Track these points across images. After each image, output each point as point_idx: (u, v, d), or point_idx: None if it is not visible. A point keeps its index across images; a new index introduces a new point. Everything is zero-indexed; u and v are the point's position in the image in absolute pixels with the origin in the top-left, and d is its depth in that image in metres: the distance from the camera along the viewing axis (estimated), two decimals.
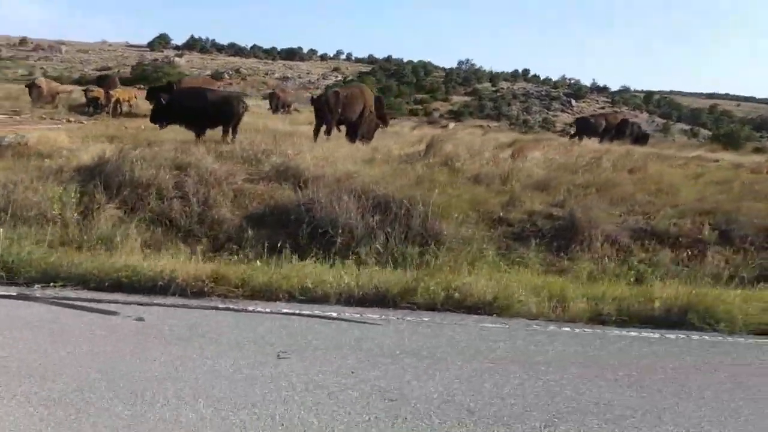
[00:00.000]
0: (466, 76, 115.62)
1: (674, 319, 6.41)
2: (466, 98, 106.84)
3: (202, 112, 14.89)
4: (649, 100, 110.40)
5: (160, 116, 15.77)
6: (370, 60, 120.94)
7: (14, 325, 5.39)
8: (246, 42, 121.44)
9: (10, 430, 3.61)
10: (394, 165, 12.50)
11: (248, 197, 9.74)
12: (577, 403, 4.43)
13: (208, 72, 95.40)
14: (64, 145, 12.61)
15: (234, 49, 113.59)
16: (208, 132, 14.53)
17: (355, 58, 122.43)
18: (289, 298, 6.42)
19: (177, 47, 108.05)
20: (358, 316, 6.09)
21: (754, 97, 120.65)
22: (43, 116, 23.72)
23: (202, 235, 8.84)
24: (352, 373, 4.71)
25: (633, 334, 6.12)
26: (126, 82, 44.18)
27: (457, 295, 6.47)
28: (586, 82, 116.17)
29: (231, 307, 6.18)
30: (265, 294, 6.43)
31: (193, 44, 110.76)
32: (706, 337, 6.12)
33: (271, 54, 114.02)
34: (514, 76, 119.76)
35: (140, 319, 5.72)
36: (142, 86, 36.64)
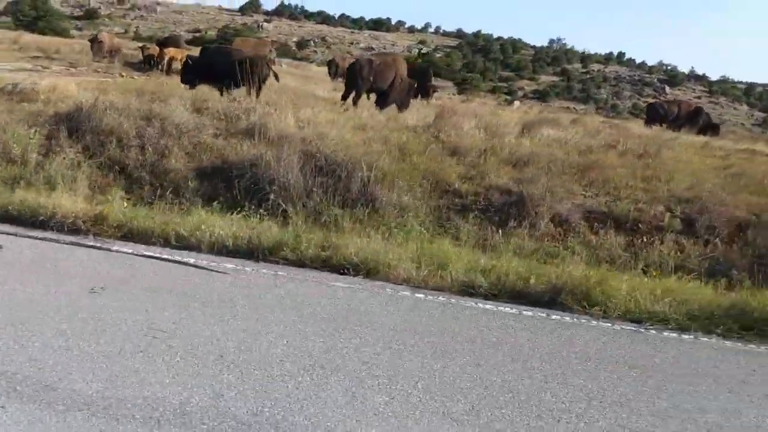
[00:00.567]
0: (555, 56, 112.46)
1: (547, 298, 6.17)
2: (554, 78, 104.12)
3: (227, 71, 15.28)
4: (751, 92, 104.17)
5: (189, 76, 16.31)
6: (458, 34, 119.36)
7: None
8: (335, 10, 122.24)
9: None
10: (382, 133, 12.40)
11: (206, 151, 9.92)
12: (353, 361, 4.40)
13: (295, 38, 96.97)
14: (70, 94, 13.13)
15: (322, 17, 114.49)
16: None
17: (443, 31, 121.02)
18: (164, 243, 6.60)
19: (266, 13, 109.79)
20: (215, 264, 6.21)
21: None
22: (98, 70, 24.81)
23: (146, 183, 9.10)
24: (146, 311, 4.83)
25: (487, 307, 5.95)
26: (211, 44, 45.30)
27: (323, 254, 6.45)
28: (684, 69, 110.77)
29: (94, 244, 6.42)
30: (142, 237, 6.64)
31: (282, 10, 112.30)
32: (568, 318, 5.87)
33: (358, 23, 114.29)
34: (608, 58, 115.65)
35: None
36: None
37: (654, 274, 7.27)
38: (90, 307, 4.86)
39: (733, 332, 5.85)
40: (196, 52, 27.81)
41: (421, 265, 6.54)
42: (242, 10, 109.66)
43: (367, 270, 6.39)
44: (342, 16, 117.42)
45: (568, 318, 5.86)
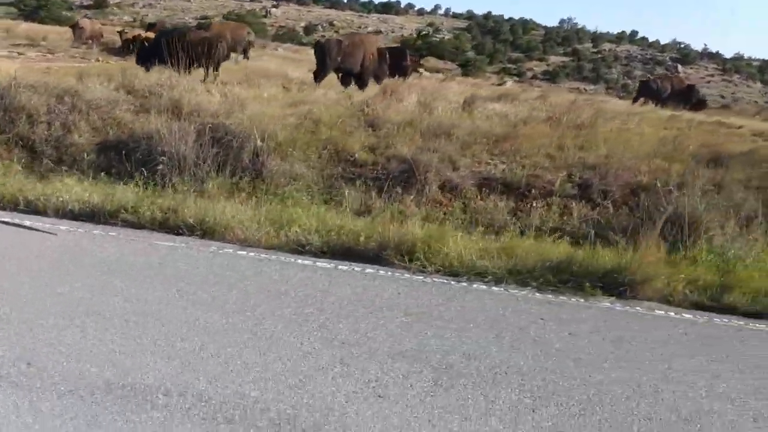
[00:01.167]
0: (566, 36, 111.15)
1: (371, 254, 6.35)
2: (564, 59, 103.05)
3: (183, 52, 15.49)
4: (765, 69, 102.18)
5: (144, 58, 16.56)
6: (468, 15, 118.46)
7: None
8: None
9: None
10: (310, 107, 12.54)
11: (114, 126, 10.15)
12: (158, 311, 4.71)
13: (303, 23, 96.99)
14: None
15: (330, 2, 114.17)
16: None
17: (453, 13, 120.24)
18: (13, 208, 6.86)
19: None
20: (48, 226, 6.46)
21: None
22: (75, 55, 25.19)
23: (46, 157, 9.36)
24: None
25: (307, 263, 6.16)
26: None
27: (162, 216, 6.67)
28: (698, 47, 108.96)
29: None
30: None
31: None
32: (382, 271, 6.06)
33: (367, 7, 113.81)
34: (620, 37, 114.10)
35: None
36: None
37: (507, 233, 7.38)
38: None
39: (550, 285, 6.00)
40: None
41: (261, 226, 6.72)
42: None
43: (203, 231, 6.60)
44: (351, 0, 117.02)
45: (382, 272, 6.06)
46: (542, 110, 16.48)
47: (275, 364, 3.99)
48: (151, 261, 5.85)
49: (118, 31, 28.61)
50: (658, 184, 8.95)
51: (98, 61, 24.00)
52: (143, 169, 8.83)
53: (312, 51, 20.66)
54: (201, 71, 16.01)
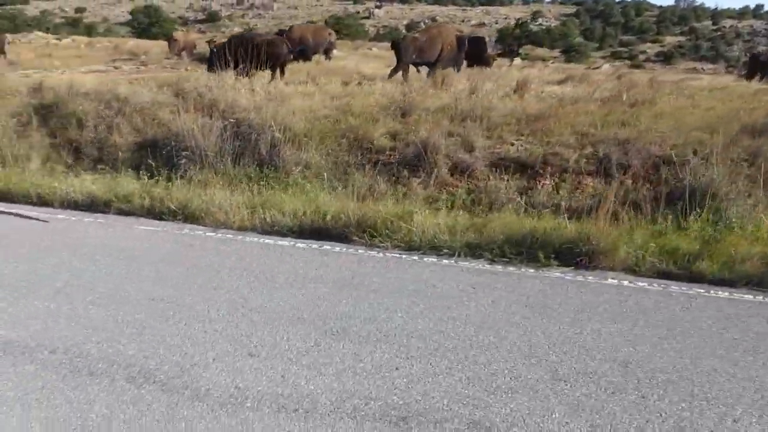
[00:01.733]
0: (683, 15, 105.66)
1: (335, 232, 6.53)
2: (681, 38, 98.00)
3: (246, 56, 16.34)
4: None
5: (213, 64, 17.52)
6: (577, 1, 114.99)
7: None
8: None
9: None
10: (352, 99, 12.85)
11: (155, 126, 10.84)
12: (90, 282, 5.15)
13: (405, 21, 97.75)
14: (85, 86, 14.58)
15: None
16: None
17: (561, 0, 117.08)
18: (26, 201, 7.57)
19: None
20: (46, 215, 7.13)
21: None
22: (166, 66, 26.80)
23: (87, 157, 10.18)
24: None
25: (268, 241, 6.47)
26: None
27: (149, 203, 7.16)
28: None
29: None
30: (6, 197, 7.66)
31: None
32: (338, 248, 6.24)
33: (470, 1, 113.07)
34: (742, 13, 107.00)
35: None
36: None
37: (497, 211, 7.36)
38: None
39: (504, 257, 5.95)
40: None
41: (239, 210, 7.06)
42: None
43: (185, 216, 7.03)
44: None
45: (338, 248, 6.26)
46: (605, 90, 15.92)
47: (170, 329, 4.28)
48: (122, 243, 6.33)
49: (206, 42, 30.09)
50: (674, 157, 8.52)
51: (187, 70, 25.35)
52: (169, 164, 9.40)
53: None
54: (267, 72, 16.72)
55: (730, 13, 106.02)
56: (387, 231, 6.42)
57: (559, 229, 6.27)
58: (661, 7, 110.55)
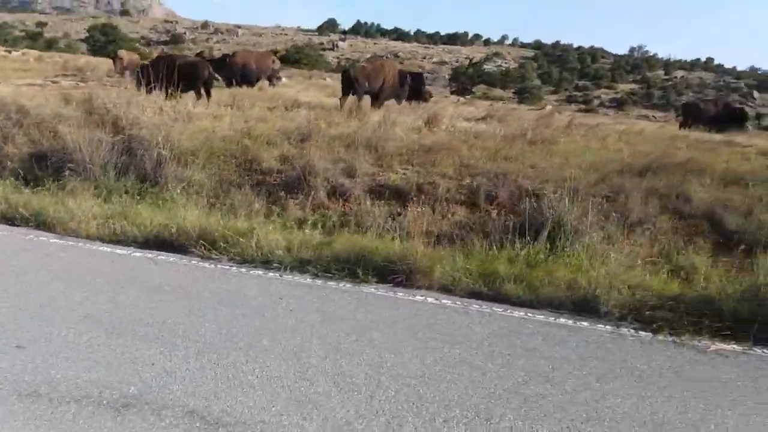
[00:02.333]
0: (636, 64, 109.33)
1: (180, 244, 6.86)
2: (634, 86, 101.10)
3: (171, 77, 16.58)
4: None
5: (140, 84, 17.73)
6: (536, 45, 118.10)
7: None
8: (410, 27, 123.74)
9: None
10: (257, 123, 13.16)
11: (51, 139, 10.99)
12: None
13: (368, 55, 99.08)
14: None
15: (397, 34, 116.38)
16: None
17: (521, 43, 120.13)
18: None
19: (344, 32, 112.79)
20: None
21: None
22: (106, 83, 26.87)
23: None
24: None
25: (106, 250, 6.82)
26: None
27: (10, 209, 7.41)
28: None
29: None
30: None
31: (358, 28, 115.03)
32: (173, 258, 6.53)
33: (433, 39, 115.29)
34: (693, 65, 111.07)
35: None
36: None
37: (347, 232, 7.67)
38: None
39: (328, 272, 6.28)
40: None
41: (92, 220, 7.29)
42: (320, 29, 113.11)
43: (38, 222, 7.25)
44: (417, 32, 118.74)
45: (172, 258, 6.51)
46: (516, 128, 16.52)
47: None
48: None
49: (142, 62, 30.31)
50: (538, 191, 9.01)
51: (126, 88, 25.43)
52: (56, 175, 9.57)
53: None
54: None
55: (681, 64, 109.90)
56: (225, 245, 6.70)
57: (387, 249, 6.60)
58: (616, 55, 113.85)
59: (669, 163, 11.63)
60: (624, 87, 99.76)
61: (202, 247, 6.70)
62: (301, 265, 6.44)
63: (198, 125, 12.17)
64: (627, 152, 13.89)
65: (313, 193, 9.46)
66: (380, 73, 19.30)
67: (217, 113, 14.04)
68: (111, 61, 33.51)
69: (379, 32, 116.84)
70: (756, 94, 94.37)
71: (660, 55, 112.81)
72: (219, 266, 6.41)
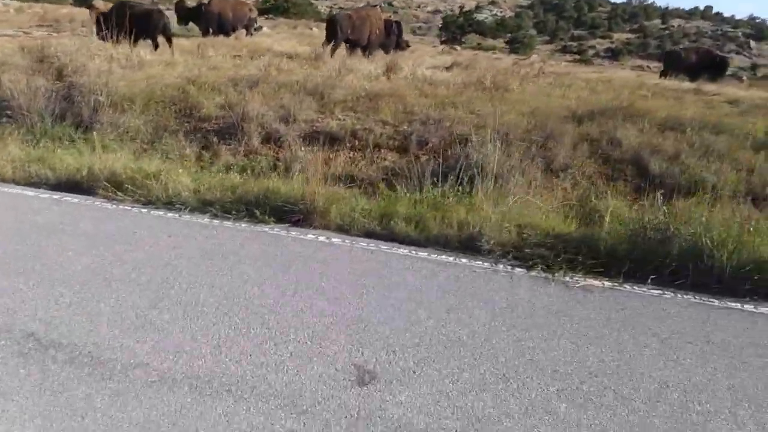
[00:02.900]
0: (633, 12, 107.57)
1: (89, 186, 7.03)
2: (630, 36, 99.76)
3: (128, 24, 16.49)
4: None
5: (99, 31, 17.63)
6: None
7: None
8: None
9: None
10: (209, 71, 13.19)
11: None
12: None
13: (362, 3, 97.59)
14: None
15: None
16: None
17: None
18: None
19: None
20: None
21: None
22: (79, 34, 26.64)
23: None
24: None
25: (13, 191, 6.97)
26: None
27: None
28: None
29: None
30: None
31: None
32: (76, 199, 6.70)
33: None
34: (691, 13, 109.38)
35: None
36: None
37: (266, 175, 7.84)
38: None
39: (229, 213, 6.47)
40: None
41: (11, 164, 7.47)
42: None
43: None
44: None
45: (77, 200, 6.79)
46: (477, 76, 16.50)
47: None
48: None
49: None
50: (461, 134, 9.14)
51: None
52: None
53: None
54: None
55: (679, 13, 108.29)
56: (132, 187, 6.88)
57: (290, 191, 6.77)
58: (613, 3, 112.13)
59: (611, 109, 11.72)
60: (620, 36, 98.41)
61: (108, 190, 6.87)
62: (203, 206, 6.63)
63: (147, 72, 12.23)
64: (583, 100, 13.96)
65: (245, 138, 9.59)
66: (365, 22, 19.24)
67: (171, 61, 14.04)
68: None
69: None
70: (753, 43, 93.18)
71: (658, 3, 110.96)
72: (121, 207, 6.61)
